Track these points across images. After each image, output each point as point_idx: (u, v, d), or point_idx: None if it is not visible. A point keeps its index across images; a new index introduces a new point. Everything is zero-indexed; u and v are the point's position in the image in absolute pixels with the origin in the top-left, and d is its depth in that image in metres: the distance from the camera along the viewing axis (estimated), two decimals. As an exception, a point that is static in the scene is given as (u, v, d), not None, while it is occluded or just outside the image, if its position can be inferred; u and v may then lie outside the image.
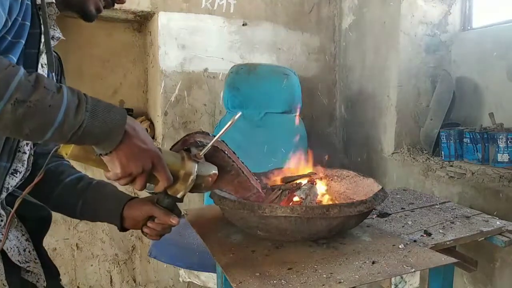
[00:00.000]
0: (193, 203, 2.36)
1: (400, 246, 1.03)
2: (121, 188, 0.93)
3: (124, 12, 2.26)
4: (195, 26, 2.34)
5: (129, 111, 2.53)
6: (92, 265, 2.33)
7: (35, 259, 0.88)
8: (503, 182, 1.65)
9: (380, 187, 1.14)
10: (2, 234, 0.80)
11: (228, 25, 2.41)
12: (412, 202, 1.51)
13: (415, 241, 1.12)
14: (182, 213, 1.07)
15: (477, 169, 1.77)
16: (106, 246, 2.34)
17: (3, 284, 0.79)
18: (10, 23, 0.68)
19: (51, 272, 0.95)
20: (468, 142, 1.85)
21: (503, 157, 1.71)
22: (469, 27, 2.19)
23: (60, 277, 1.01)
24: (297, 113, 2.26)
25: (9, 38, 0.69)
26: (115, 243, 2.35)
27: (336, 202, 1.25)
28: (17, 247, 0.85)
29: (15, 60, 0.71)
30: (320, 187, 1.25)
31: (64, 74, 0.98)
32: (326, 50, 2.70)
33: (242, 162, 0.97)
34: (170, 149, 0.89)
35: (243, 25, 2.44)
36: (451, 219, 1.32)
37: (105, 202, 0.95)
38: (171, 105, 2.34)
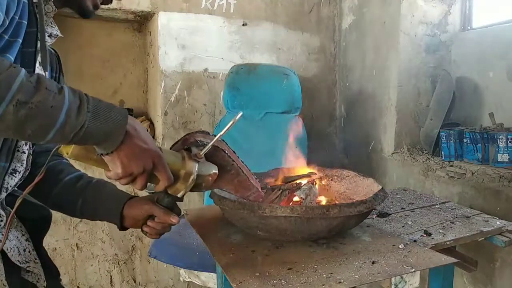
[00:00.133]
0: (193, 203, 2.36)
1: (400, 246, 1.03)
2: (120, 187, 0.93)
3: (124, 12, 2.26)
4: (195, 26, 2.34)
5: (129, 111, 2.51)
6: (92, 265, 2.33)
7: (35, 259, 0.88)
8: (503, 182, 1.65)
9: (380, 187, 1.14)
10: (2, 234, 0.80)
11: (228, 25, 2.41)
12: (412, 202, 1.51)
13: (415, 241, 1.12)
14: (182, 212, 1.07)
15: (477, 169, 1.77)
16: (106, 246, 2.34)
17: (3, 284, 0.79)
18: (7, 22, 0.68)
19: (51, 272, 0.95)
20: (468, 142, 1.85)
21: (503, 157, 1.71)
22: (469, 27, 2.19)
23: (60, 277, 1.01)
24: (297, 113, 2.26)
25: (6, 37, 0.69)
26: (115, 243, 2.35)
27: (336, 202, 1.25)
28: (17, 247, 0.85)
29: (13, 59, 0.71)
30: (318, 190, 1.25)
31: (62, 72, 0.98)
32: (326, 50, 2.70)
33: (242, 162, 0.97)
34: (171, 148, 0.89)
35: (243, 25, 2.44)
36: (451, 219, 1.32)
37: (105, 201, 0.95)
38: (171, 105, 2.34)
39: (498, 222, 1.29)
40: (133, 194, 1.01)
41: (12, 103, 0.57)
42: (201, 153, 0.85)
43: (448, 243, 1.15)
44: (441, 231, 1.20)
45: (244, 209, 0.98)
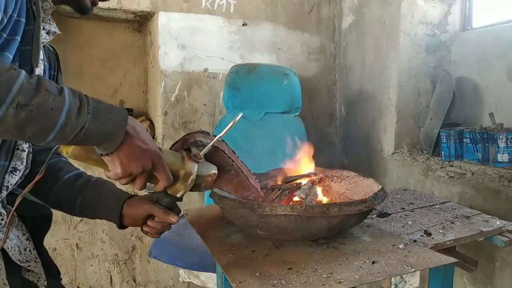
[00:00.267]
0: (193, 203, 2.36)
1: (400, 246, 1.03)
2: (120, 186, 0.93)
3: (124, 12, 2.26)
4: (195, 26, 2.34)
5: (129, 111, 2.53)
6: (92, 265, 2.33)
7: (36, 258, 0.88)
8: (503, 182, 1.65)
9: (380, 187, 1.14)
10: (3, 233, 0.80)
11: (228, 25, 2.41)
12: (412, 202, 1.51)
13: (415, 241, 1.12)
14: (182, 212, 1.07)
15: (477, 169, 1.77)
16: (106, 246, 2.34)
17: (4, 283, 0.79)
18: (5, 21, 0.68)
19: (51, 271, 0.95)
20: (468, 142, 1.85)
21: (503, 157, 1.71)
22: (469, 27, 2.19)
23: (61, 277, 1.01)
24: (297, 113, 2.26)
25: (5, 36, 0.69)
26: (115, 243, 2.35)
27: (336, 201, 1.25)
28: (17, 246, 0.85)
29: (11, 57, 0.71)
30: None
31: (61, 70, 0.98)
32: (326, 50, 2.70)
33: (242, 162, 0.97)
34: (170, 148, 0.89)
35: (243, 25, 2.44)
36: (451, 219, 1.32)
37: (104, 200, 0.95)
38: (171, 105, 2.34)
39: (498, 222, 1.29)
40: (133, 193, 1.01)
41: (12, 105, 0.57)
42: (200, 154, 0.85)
43: (448, 243, 1.15)
44: (441, 231, 1.20)
45: (244, 208, 0.98)
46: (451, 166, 1.89)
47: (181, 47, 2.32)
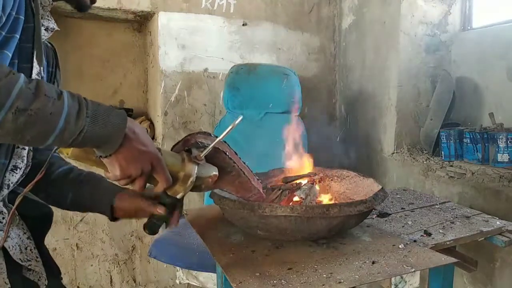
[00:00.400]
0: (193, 203, 2.36)
1: (400, 246, 1.03)
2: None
3: (124, 12, 2.26)
4: (195, 26, 2.34)
5: (129, 111, 2.53)
6: (92, 265, 2.33)
7: (37, 257, 0.88)
8: (503, 182, 1.65)
9: (380, 187, 1.14)
10: (4, 232, 0.80)
11: (228, 25, 2.41)
12: (412, 202, 1.51)
13: (415, 241, 1.12)
14: (182, 213, 1.07)
15: (477, 169, 1.77)
16: (106, 246, 2.34)
17: (5, 282, 0.79)
18: (4, 18, 0.68)
19: (52, 271, 0.95)
20: (468, 142, 1.86)
21: (503, 157, 1.71)
22: (469, 27, 2.19)
23: (62, 276, 1.01)
24: (297, 113, 2.26)
25: (4, 33, 0.69)
26: (115, 243, 2.35)
27: (336, 202, 1.25)
28: (18, 245, 0.85)
29: (10, 55, 0.71)
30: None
31: (59, 66, 0.98)
32: (326, 50, 2.70)
33: (244, 163, 0.97)
34: (172, 149, 0.89)
35: (243, 25, 2.44)
36: (451, 219, 1.32)
37: (95, 194, 0.96)
38: (171, 105, 2.34)
39: (498, 222, 1.29)
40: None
41: (11, 110, 0.58)
42: (201, 155, 0.85)
43: (448, 243, 1.15)
44: (441, 231, 1.20)
45: (244, 208, 0.98)
46: (451, 166, 1.89)
47: (181, 47, 2.32)
